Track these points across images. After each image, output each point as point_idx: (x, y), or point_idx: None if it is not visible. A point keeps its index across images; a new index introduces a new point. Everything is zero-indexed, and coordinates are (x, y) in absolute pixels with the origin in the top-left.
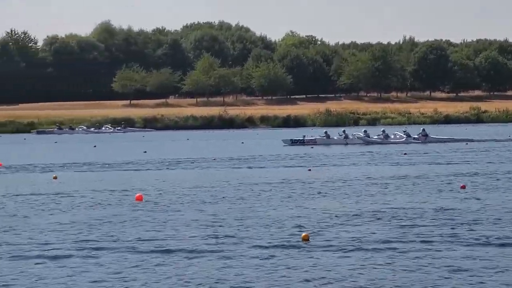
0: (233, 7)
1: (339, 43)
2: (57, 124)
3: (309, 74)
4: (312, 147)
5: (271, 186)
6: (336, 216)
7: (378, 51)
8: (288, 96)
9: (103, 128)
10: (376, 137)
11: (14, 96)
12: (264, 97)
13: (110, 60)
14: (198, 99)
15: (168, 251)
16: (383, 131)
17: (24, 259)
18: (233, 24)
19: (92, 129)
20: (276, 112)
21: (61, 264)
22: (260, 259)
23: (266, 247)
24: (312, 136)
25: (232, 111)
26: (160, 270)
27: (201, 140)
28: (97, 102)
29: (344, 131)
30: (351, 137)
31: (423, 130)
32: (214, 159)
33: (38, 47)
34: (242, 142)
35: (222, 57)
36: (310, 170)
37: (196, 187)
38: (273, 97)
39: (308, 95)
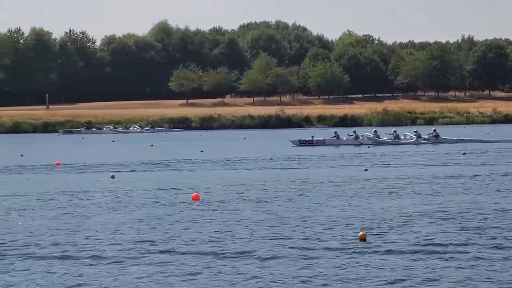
0: (290, 6)
1: (397, 42)
2: (84, 124)
3: (366, 74)
4: (369, 147)
5: (327, 186)
6: (394, 216)
7: (436, 50)
8: (345, 96)
9: (131, 128)
10: (386, 137)
11: (73, 95)
12: (321, 97)
13: (167, 59)
14: (255, 98)
15: (225, 254)
16: (394, 131)
17: (82, 260)
18: (290, 24)
19: (120, 129)
20: (333, 111)
21: (118, 266)
22: (317, 260)
23: (323, 248)
24: (322, 136)
25: (289, 111)
26: (216, 273)
27: (258, 140)
28: (154, 101)
29: (354, 132)
30: (360, 137)
31: (434, 130)
32: (271, 159)
33: (96, 47)
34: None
35: (279, 57)
36: (366, 170)
37: (253, 186)
38: (330, 97)
39: (365, 95)
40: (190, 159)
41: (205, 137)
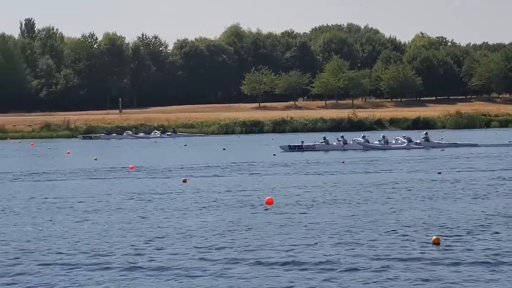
0: (362, 8)
1: (470, 44)
2: (106, 129)
3: (439, 76)
4: (432, 149)
5: (400, 189)
6: (469, 220)
7: (511, 51)
8: (418, 98)
9: (152, 134)
10: (376, 142)
11: (145, 99)
12: (393, 99)
13: (239, 63)
14: (327, 101)
15: (299, 263)
16: (383, 136)
17: (155, 270)
18: (362, 26)
19: (141, 134)
20: (405, 114)
21: (190, 275)
22: (390, 265)
23: (397, 253)
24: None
25: (361, 114)
26: (285, 282)
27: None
28: (226, 105)
29: (342, 137)
30: (350, 142)
31: (425, 134)
32: (343, 162)
33: (168, 51)
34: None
35: (351, 59)
36: (440, 173)
37: (325, 190)
38: (402, 99)
39: (438, 97)
40: (261, 162)
41: (278, 140)
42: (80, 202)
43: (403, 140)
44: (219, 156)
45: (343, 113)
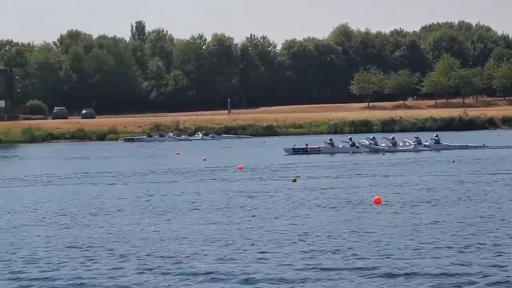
0: (473, 6)
1: None
2: (146, 132)
3: None
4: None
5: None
6: None
7: None
8: None
9: (195, 135)
10: (384, 144)
11: (254, 99)
12: (506, 98)
13: (347, 63)
14: (437, 100)
15: (410, 272)
16: (392, 138)
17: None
18: (474, 24)
19: (183, 136)
20: None
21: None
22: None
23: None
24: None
25: (472, 112)
26: None
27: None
28: (335, 105)
29: (350, 139)
30: (357, 144)
31: (436, 136)
32: (453, 161)
33: (276, 51)
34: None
35: (462, 58)
36: None
37: (434, 189)
38: None
39: None
40: (365, 160)
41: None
42: (200, 202)
43: (411, 142)
44: (325, 156)
45: (453, 112)
